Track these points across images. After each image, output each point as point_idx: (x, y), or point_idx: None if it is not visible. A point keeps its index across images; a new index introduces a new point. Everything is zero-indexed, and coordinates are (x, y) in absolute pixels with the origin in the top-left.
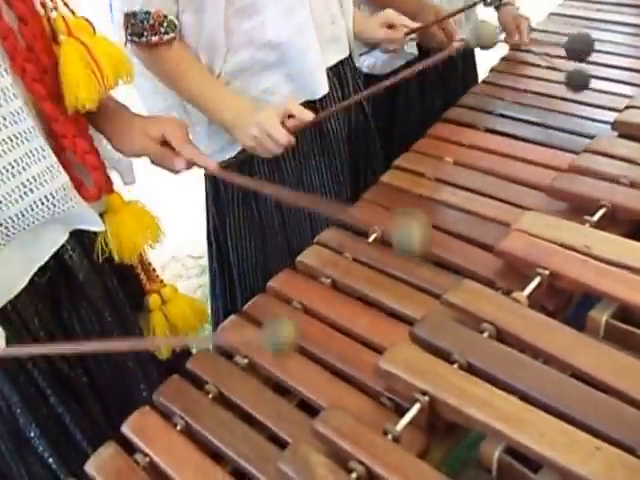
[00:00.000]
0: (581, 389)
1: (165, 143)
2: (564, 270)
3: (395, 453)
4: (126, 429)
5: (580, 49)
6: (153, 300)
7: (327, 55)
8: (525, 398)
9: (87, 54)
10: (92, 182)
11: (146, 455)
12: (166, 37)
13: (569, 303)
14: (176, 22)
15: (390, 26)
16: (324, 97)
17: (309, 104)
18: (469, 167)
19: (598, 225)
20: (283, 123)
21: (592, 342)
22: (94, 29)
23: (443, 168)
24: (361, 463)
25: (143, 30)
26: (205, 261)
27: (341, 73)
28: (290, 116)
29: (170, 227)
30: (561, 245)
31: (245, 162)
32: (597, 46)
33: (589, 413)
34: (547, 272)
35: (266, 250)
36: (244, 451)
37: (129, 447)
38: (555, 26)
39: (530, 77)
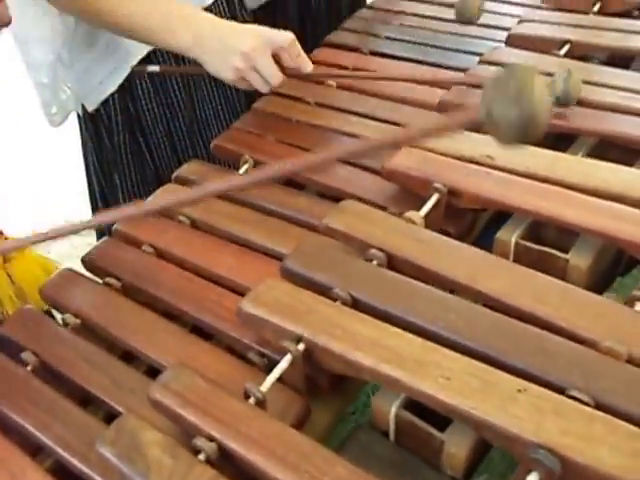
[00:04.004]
0: (494, 319)
1: None
2: (464, 185)
3: (258, 422)
4: None
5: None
6: None
7: None
8: (426, 335)
9: None
10: None
11: None
12: None
13: (473, 226)
14: None
15: None
16: (212, 10)
17: None
18: (354, 90)
19: None
20: (275, 58)
21: (504, 263)
22: None
23: (325, 92)
24: (211, 439)
25: None
26: (94, 239)
27: None
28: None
29: (50, 202)
30: (459, 158)
31: (128, 92)
32: None
33: (506, 347)
34: (445, 189)
35: None
36: (66, 437)
37: None
38: None
39: (418, 1)
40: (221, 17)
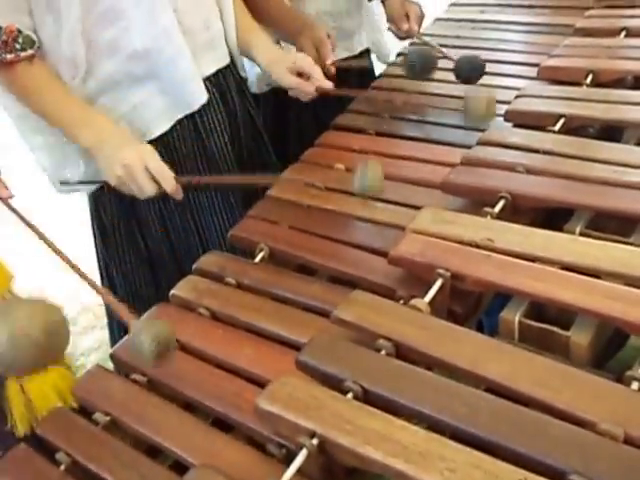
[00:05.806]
0: (497, 405)
1: None
2: (466, 269)
3: None
4: None
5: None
6: None
7: (203, 63)
8: (432, 425)
9: None
10: None
11: None
12: (23, 54)
13: (480, 303)
14: (34, 38)
15: (300, 74)
16: (205, 110)
17: (189, 119)
18: None
19: (500, 217)
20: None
21: (504, 347)
22: None
23: (334, 176)
24: None
25: None
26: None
27: (222, 83)
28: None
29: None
30: (461, 242)
31: None
32: (483, 44)
33: (508, 434)
34: (448, 274)
35: (157, 282)
36: None
37: None
38: (442, 30)
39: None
40: (219, 114)
